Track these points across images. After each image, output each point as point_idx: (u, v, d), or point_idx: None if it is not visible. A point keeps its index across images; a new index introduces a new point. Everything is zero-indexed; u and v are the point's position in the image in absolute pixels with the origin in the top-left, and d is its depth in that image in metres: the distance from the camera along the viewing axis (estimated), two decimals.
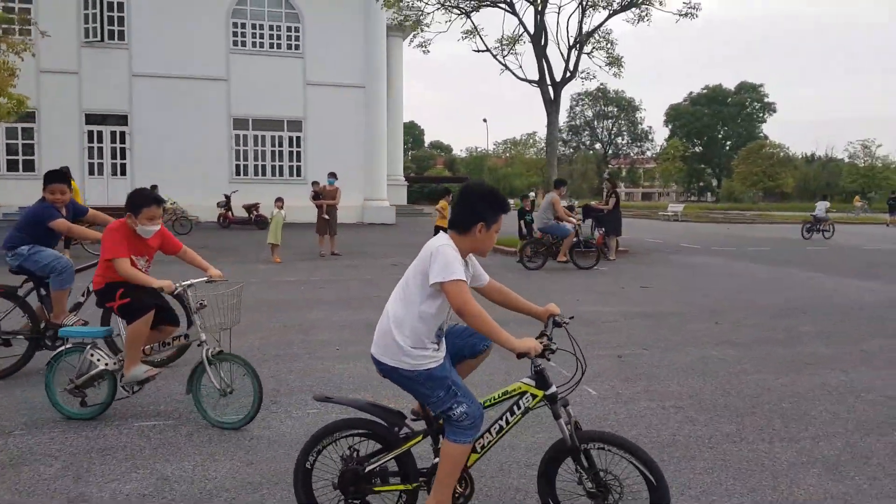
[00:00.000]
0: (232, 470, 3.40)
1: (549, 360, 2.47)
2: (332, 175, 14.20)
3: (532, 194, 37.53)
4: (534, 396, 2.52)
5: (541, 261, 12.12)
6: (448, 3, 17.11)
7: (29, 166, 22.19)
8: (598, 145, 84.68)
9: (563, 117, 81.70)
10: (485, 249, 2.58)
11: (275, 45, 24.14)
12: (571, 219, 12.50)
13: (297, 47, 24.31)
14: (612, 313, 7.76)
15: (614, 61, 18.12)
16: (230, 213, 21.23)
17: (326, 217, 13.61)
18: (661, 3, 16.76)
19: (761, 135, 77.74)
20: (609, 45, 18.03)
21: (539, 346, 2.41)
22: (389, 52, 27.23)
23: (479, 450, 2.58)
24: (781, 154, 66.84)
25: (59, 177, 5.03)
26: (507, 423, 2.55)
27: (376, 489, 2.66)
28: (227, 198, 21.36)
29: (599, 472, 2.51)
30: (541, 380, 2.51)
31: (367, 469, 2.62)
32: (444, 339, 2.61)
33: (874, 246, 18.96)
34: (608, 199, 13.99)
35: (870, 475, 3.39)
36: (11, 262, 4.97)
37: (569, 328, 2.64)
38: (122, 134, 22.92)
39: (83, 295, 5.26)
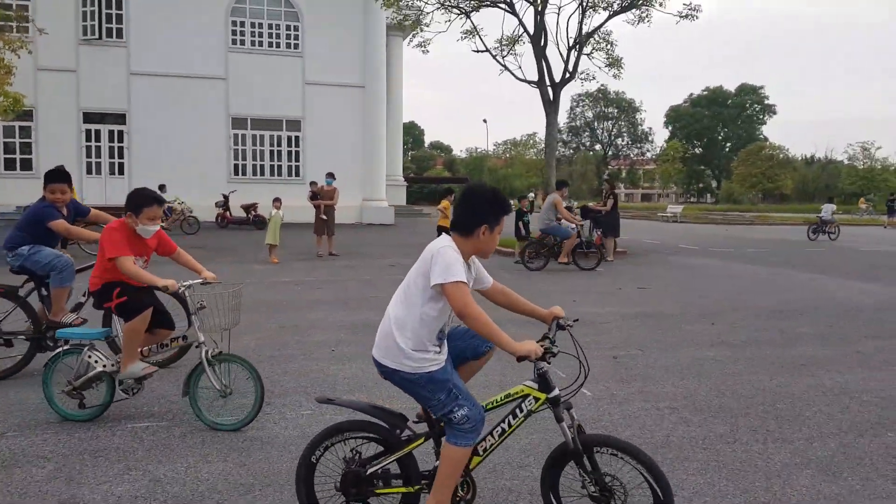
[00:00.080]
0: (224, 471, 3.40)
1: (549, 363, 2.46)
2: (330, 175, 14.21)
3: (532, 195, 37.56)
4: (536, 399, 2.51)
5: (542, 262, 12.11)
6: (448, 3, 17.11)
7: (27, 165, 22.18)
8: (598, 146, 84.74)
9: (563, 118, 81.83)
10: (487, 251, 2.57)
11: (274, 45, 24.13)
12: (575, 219, 12.49)
13: (296, 46, 24.31)
14: (609, 314, 7.76)
15: (614, 62, 18.13)
16: (228, 212, 21.24)
17: (324, 217, 13.61)
18: (660, 5, 16.77)
19: (761, 136, 77.80)
20: (609, 47, 18.05)
21: (539, 349, 2.40)
22: (389, 51, 27.23)
23: (481, 452, 2.57)
24: (781, 156, 66.87)
25: (59, 176, 5.02)
26: (510, 425, 2.54)
27: (378, 491, 2.66)
28: (226, 198, 21.36)
29: (603, 476, 2.50)
30: (543, 383, 2.49)
31: (369, 471, 2.62)
32: (445, 341, 2.61)
33: (873, 247, 18.96)
34: (606, 200, 13.99)
35: (863, 476, 3.39)
36: (12, 262, 4.98)
37: (572, 331, 2.63)
38: (121, 133, 22.91)
39: (84, 295, 5.25)
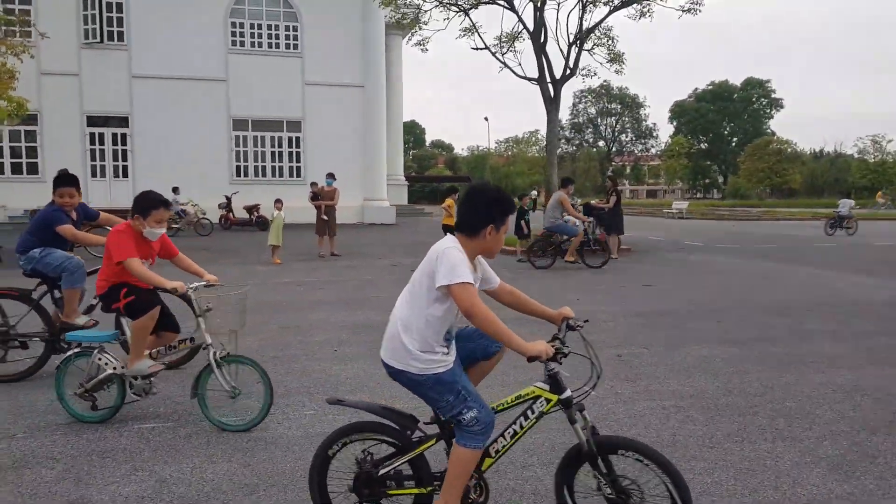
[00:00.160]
0: (229, 472, 3.40)
1: (560, 363, 2.43)
2: (331, 176, 14.21)
3: (534, 193, 37.46)
4: (548, 401, 2.48)
5: (549, 260, 12.05)
6: (446, 1, 17.04)
7: (33, 169, 22.27)
8: (601, 143, 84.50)
9: (565, 115, 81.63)
10: (494, 251, 2.55)
11: (273, 45, 24.14)
12: (583, 217, 12.39)
13: (295, 47, 24.31)
14: (613, 312, 7.72)
15: (615, 58, 18.04)
16: (231, 214, 21.28)
17: (325, 218, 13.62)
18: None
19: (768, 131, 77.42)
20: (610, 42, 17.95)
21: (550, 350, 2.37)
22: (389, 50, 27.21)
23: (493, 454, 2.55)
24: (789, 150, 66.51)
25: (67, 180, 5.07)
26: (521, 427, 2.52)
27: (390, 492, 2.65)
28: (228, 199, 21.41)
29: (618, 478, 2.47)
30: (555, 384, 2.47)
31: (381, 472, 2.61)
32: (453, 342, 2.58)
33: (890, 242, 18.81)
34: (609, 197, 13.94)
35: (876, 475, 3.35)
36: (24, 265, 5.04)
37: (583, 331, 2.60)
38: (124, 136, 22.98)
39: (95, 298, 5.28)
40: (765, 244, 17.69)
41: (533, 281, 10.42)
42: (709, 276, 11.13)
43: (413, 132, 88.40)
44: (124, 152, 23.03)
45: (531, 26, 16.71)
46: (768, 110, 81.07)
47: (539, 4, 16.26)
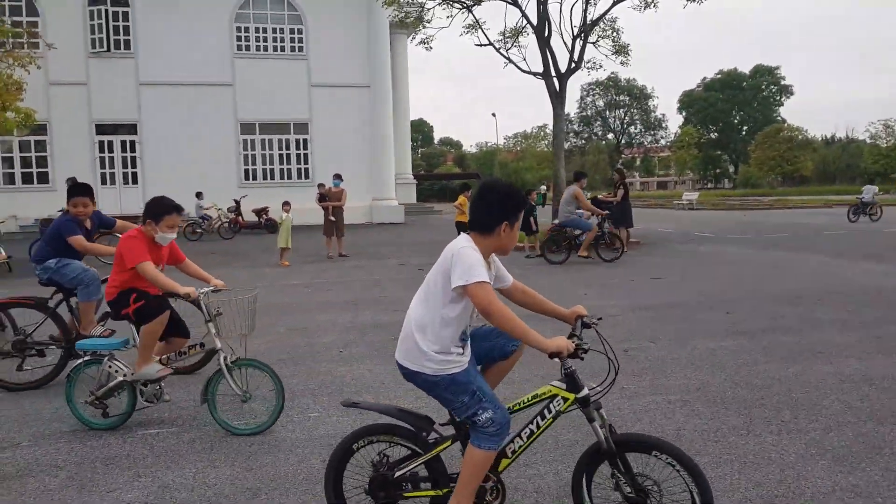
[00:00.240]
0: (232, 476, 3.41)
1: (582, 359, 2.39)
2: (338, 176, 14.24)
3: (543, 188, 37.30)
4: (565, 400, 2.45)
5: (564, 255, 11.95)
6: None
7: (43, 178, 22.55)
8: (610, 135, 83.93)
9: (573, 108, 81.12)
10: (508, 248, 2.53)
11: (278, 48, 24.24)
12: (599, 210, 12.21)
13: (300, 49, 24.39)
14: (620, 306, 7.67)
15: (620, 50, 17.89)
16: (240, 217, 21.42)
17: (333, 219, 13.66)
18: None
19: (778, 118, 76.48)
20: (615, 34, 17.80)
21: (571, 345, 2.34)
22: (394, 49, 27.18)
23: (510, 455, 2.53)
24: (800, 137, 65.66)
25: (81, 190, 5.12)
26: (538, 427, 2.49)
27: (407, 495, 2.63)
28: (237, 203, 21.55)
29: (636, 477, 2.44)
30: (571, 382, 2.43)
31: (397, 474, 2.60)
32: (468, 342, 2.56)
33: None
34: (617, 190, 13.84)
35: (882, 466, 3.30)
36: (41, 274, 5.11)
37: (598, 328, 2.57)
38: (133, 143, 23.21)
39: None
40: (776, 233, 17.49)
41: (541, 276, 10.38)
42: (719, 268, 11.02)
43: (421, 130, 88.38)
44: (133, 159, 23.25)
45: (535, 20, 16.62)
46: (778, 97, 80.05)
47: None
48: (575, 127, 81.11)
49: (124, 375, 4.06)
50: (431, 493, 2.62)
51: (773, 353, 5.48)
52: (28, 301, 5.14)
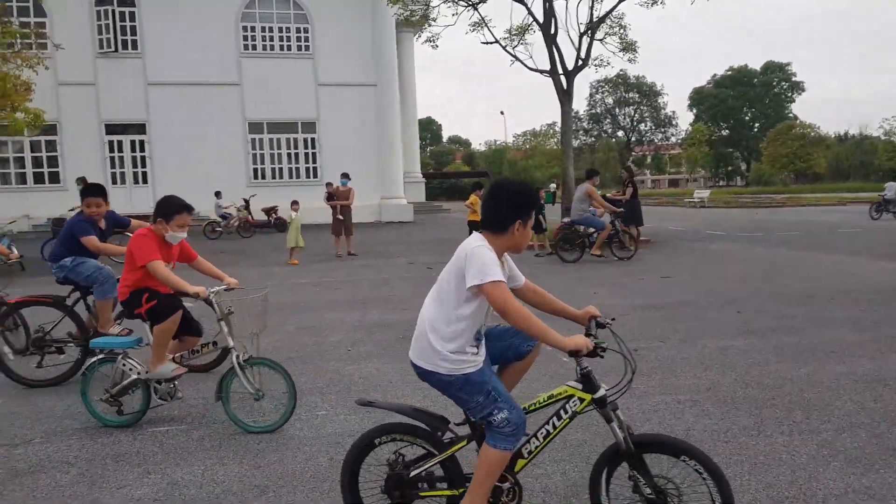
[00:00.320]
0: (240, 473, 3.42)
1: (602, 357, 2.36)
2: (345, 175, 14.26)
3: (553, 186, 37.17)
4: (581, 400, 2.43)
5: (578, 253, 11.87)
6: None
7: (54, 178, 22.76)
8: (620, 133, 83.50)
9: (582, 105, 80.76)
10: (521, 246, 2.52)
11: (285, 48, 24.32)
12: (612, 208, 12.11)
13: (306, 48, 24.46)
14: (629, 305, 7.63)
15: (628, 47, 17.78)
16: (250, 216, 21.51)
17: (341, 217, 13.68)
18: None
19: (790, 115, 75.79)
20: (622, 31, 17.69)
21: (591, 343, 2.32)
22: (400, 48, 27.20)
23: (526, 455, 2.52)
24: (812, 134, 65.04)
25: (94, 190, 5.18)
26: (554, 427, 2.47)
27: (423, 494, 2.63)
28: (247, 202, 21.64)
29: (655, 479, 2.42)
30: (587, 383, 2.41)
31: (413, 474, 2.60)
32: (482, 342, 2.55)
33: None
34: (625, 188, 13.76)
35: None
36: (57, 273, 5.18)
37: (612, 328, 2.55)
38: (142, 142, 23.37)
39: None
40: (788, 231, 17.33)
41: (551, 275, 10.34)
42: (730, 266, 10.93)
43: (430, 129, 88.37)
44: (143, 159, 23.41)
45: (541, 18, 16.55)
46: (790, 94, 79.35)
47: None
48: (584, 124, 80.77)
49: (138, 373, 4.09)
50: (447, 492, 2.60)
51: (785, 352, 5.43)
52: (46, 299, 5.21)
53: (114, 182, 22.97)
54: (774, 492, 3.04)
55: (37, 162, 22.81)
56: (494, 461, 2.41)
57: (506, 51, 17.76)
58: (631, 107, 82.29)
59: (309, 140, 24.91)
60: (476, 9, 17.16)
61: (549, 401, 2.49)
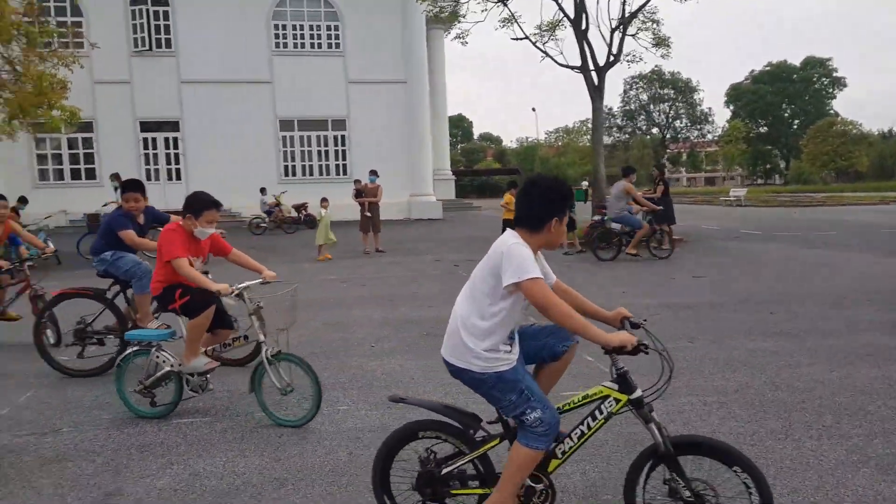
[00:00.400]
0: (260, 465, 3.47)
1: (647, 353, 2.32)
2: (374, 172, 14.32)
3: (585, 183, 36.76)
4: (617, 401, 2.40)
5: (614, 252, 11.68)
6: None
7: (91, 174, 23.43)
8: (655, 130, 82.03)
9: (616, 102, 79.61)
10: (556, 243, 2.50)
11: (315, 45, 24.52)
12: (653, 206, 11.83)
13: (337, 46, 24.64)
14: (660, 305, 7.49)
15: (660, 42, 17.41)
16: (280, 213, 21.82)
17: (369, 214, 13.76)
18: None
19: (831, 112, 73.36)
20: (654, 26, 17.33)
21: (634, 339, 2.28)
22: (431, 45, 27.18)
23: (560, 455, 2.49)
24: (854, 131, 62.86)
25: (133, 185, 5.32)
26: (589, 428, 2.45)
27: (454, 492, 2.62)
28: (277, 199, 21.95)
29: (692, 480, 2.37)
30: (624, 383, 2.38)
31: (444, 471, 2.59)
32: (516, 340, 2.53)
33: None
34: (656, 187, 13.51)
35: None
36: (97, 266, 5.34)
37: (647, 327, 2.51)
38: (176, 140, 23.90)
39: None
40: (827, 231, 16.78)
41: (579, 273, 10.23)
42: (764, 266, 10.64)
43: (461, 126, 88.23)
44: (177, 156, 23.93)
45: (571, 13, 16.33)
46: (830, 90, 76.72)
47: None
48: (618, 121, 79.57)
49: (171, 365, 4.16)
50: (479, 491, 2.58)
51: (817, 355, 5.25)
52: (88, 292, 5.37)
53: (148, 178, 23.49)
54: (800, 497, 2.95)
55: (74, 159, 23.51)
56: (525, 460, 2.39)
57: (536, 47, 17.58)
58: (666, 103, 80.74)
59: (339, 137, 25.12)
60: (506, 4, 17.02)
61: (584, 401, 2.46)
